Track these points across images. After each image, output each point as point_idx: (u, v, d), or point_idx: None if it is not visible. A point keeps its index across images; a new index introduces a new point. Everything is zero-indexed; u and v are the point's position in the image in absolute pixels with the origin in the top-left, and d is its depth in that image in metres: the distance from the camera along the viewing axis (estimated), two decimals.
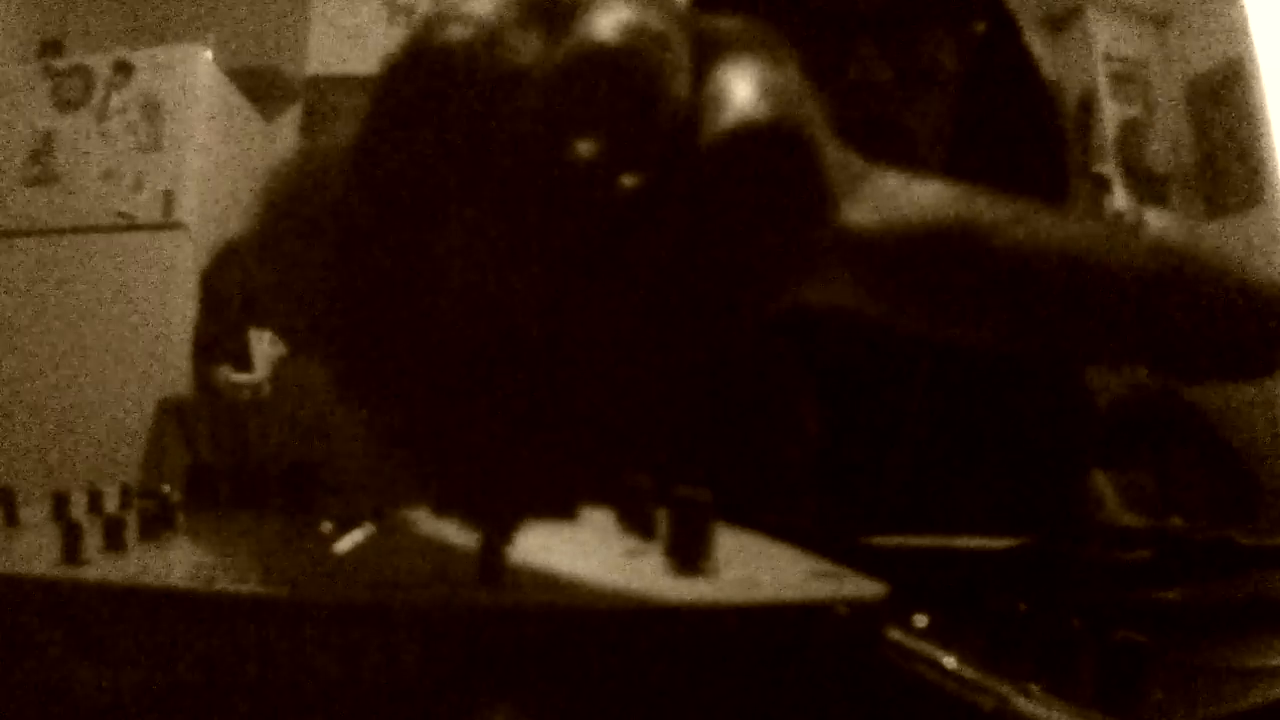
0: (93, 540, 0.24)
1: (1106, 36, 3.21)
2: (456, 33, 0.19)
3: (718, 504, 0.24)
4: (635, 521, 0.31)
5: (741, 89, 0.20)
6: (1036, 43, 0.67)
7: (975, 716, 0.19)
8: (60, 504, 0.32)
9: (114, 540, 0.25)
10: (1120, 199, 3.02)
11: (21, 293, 2.71)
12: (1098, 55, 3.17)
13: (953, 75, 0.61)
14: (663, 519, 0.30)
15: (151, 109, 2.81)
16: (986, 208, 0.32)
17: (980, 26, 0.63)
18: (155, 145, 2.80)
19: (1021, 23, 0.68)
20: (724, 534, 0.26)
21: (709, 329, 0.20)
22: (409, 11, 3.31)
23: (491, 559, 0.22)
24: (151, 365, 2.59)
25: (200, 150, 2.82)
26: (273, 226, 0.32)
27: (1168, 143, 3.18)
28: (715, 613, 0.21)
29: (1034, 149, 0.67)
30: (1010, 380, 0.62)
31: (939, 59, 0.60)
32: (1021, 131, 0.66)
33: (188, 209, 2.77)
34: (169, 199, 2.76)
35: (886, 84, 0.58)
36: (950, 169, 0.61)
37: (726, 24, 0.21)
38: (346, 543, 0.27)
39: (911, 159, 0.57)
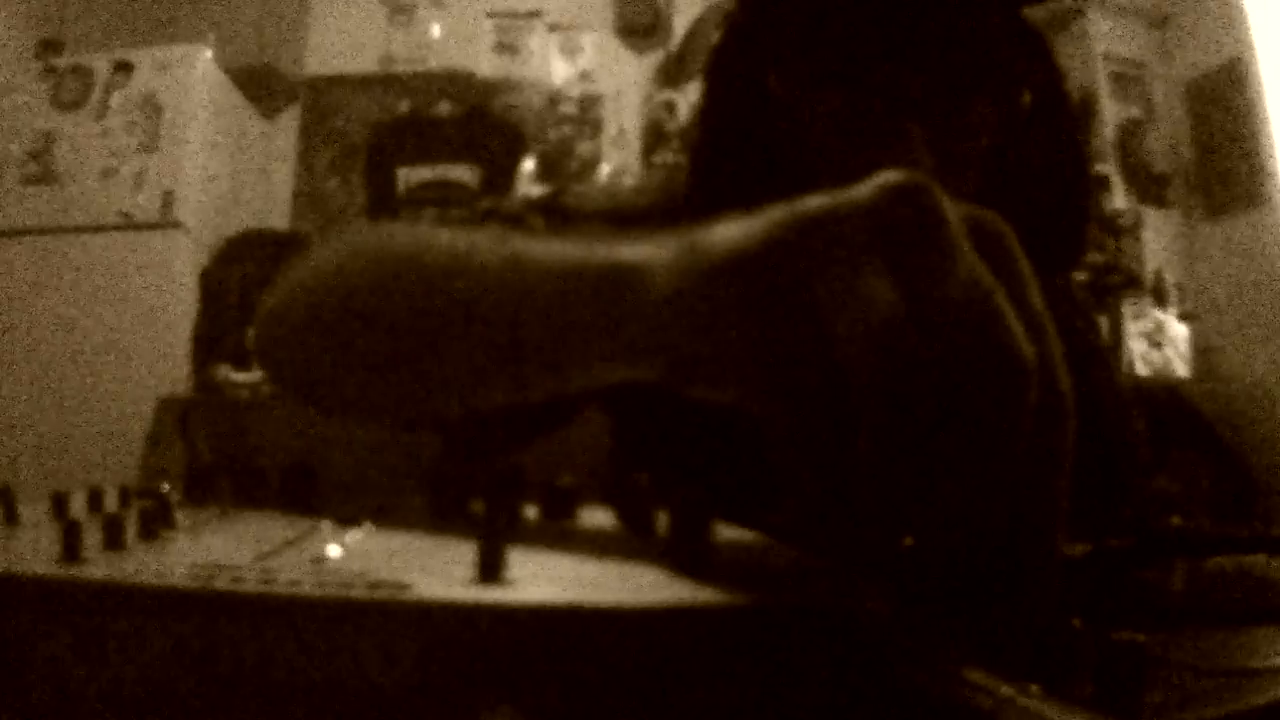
0: (92, 539, 0.24)
1: (1106, 36, 3.21)
2: None
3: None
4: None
5: None
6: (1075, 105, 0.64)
7: (975, 716, 0.19)
8: (60, 503, 0.32)
9: (113, 539, 0.25)
10: (1120, 199, 3.02)
11: (21, 293, 2.71)
12: (1097, 55, 3.17)
13: (987, 150, 0.58)
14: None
15: (151, 109, 2.81)
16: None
17: (1026, 98, 0.59)
18: (154, 145, 2.79)
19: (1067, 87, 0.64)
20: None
21: None
22: (409, 11, 3.30)
23: (491, 559, 0.22)
24: (151, 365, 2.58)
25: (200, 150, 2.82)
26: None
27: (1168, 143, 3.18)
28: (715, 613, 0.21)
29: (1055, 216, 0.64)
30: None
31: (979, 138, 0.57)
32: (1045, 200, 0.63)
33: (187, 208, 2.77)
34: (168, 198, 2.76)
35: (929, 172, 0.55)
36: None
37: None
38: (346, 543, 0.27)
39: None
